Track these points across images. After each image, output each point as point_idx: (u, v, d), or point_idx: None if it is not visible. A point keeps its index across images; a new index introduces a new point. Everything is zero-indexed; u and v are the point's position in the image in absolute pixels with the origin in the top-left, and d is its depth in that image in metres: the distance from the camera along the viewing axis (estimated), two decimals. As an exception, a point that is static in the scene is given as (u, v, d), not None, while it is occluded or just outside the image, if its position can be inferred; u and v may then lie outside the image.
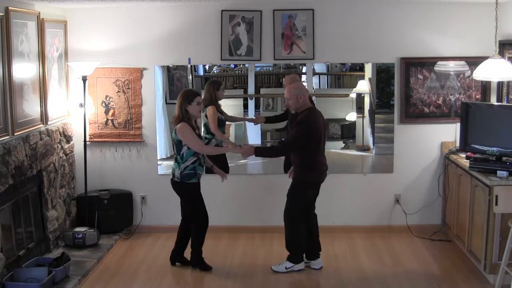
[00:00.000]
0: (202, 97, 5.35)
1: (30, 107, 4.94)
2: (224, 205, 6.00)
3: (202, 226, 4.95)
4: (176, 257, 5.12)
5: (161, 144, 6.13)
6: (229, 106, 6.99)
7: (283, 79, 5.73)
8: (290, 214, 4.87)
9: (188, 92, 4.82)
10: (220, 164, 5.35)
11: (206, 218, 4.97)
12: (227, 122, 5.87)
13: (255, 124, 5.99)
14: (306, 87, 5.73)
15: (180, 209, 6.03)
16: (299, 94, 4.72)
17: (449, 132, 5.82)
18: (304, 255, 5.01)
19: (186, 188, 4.83)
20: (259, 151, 4.81)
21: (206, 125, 5.52)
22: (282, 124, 5.91)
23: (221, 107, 5.69)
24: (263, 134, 6.89)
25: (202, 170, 4.87)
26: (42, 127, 5.17)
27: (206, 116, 5.50)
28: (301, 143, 4.66)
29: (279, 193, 5.31)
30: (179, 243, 5.11)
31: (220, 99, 5.61)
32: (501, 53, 5.07)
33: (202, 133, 5.52)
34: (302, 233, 4.90)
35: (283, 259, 5.13)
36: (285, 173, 5.33)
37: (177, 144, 4.78)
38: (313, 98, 6.64)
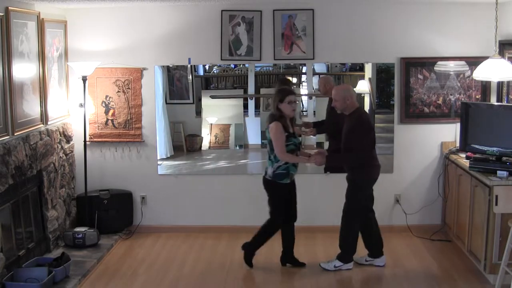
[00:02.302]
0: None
1: (30, 107, 4.94)
2: (224, 205, 6.00)
3: (277, 227, 4.91)
4: (286, 258, 5.08)
5: (161, 144, 6.14)
6: (229, 106, 7.01)
7: (319, 81, 5.73)
8: (350, 215, 4.88)
9: (280, 90, 4.75)
10: None
11: (292, 218, 4.93)
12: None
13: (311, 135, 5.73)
14: (306, 87, 5.75)
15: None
16: (347, 96, 4.72)
17: (449, 132, 5.82)
18: (358, 254, 5.02)
19: (277, 188, 4.79)
20: (331, 159, 4.82)
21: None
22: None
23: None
24: (263, 134, 6.89)
25: (295, 170, 4.80)
26: (42, 127, 5.17)
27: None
28: (367, 145, 4.71)
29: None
30: (285, 243, 5.06)
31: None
32: (501, 53, 5.07)
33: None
34: (357, 234, 4.92)
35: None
36: (325, 173, 5.26)
37: (270, 143, 4.72)
38: (313, 98, 6.65)
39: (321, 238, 5.63)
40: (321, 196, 5.40)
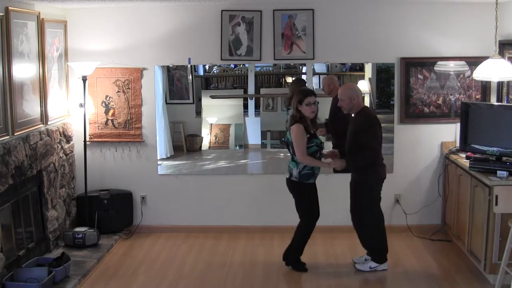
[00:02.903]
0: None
1: (30, 107, 4.94)
2: (224, 205, 6.00)
3: (311, 228, 4.90)
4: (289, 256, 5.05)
5: (161, 144, 6.14)
6: (229, 106, 7.01)
7: (323, 81, 5.71)
8: (363, 216, 4.86)
9: (300, 91, 4.72)
10: None
11: (316, 219, 4.91)
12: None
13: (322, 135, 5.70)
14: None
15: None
16: (353, 95, 4.69)
17: (449, 132, 5.82)
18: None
19: (304, 188, 4.79)
20: (349, 162, 4.76)
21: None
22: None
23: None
24: (263, 134, 6.89)
25: (319, 170, 4.81)
26: (42, 127, 5.17)
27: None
28: (377, 144, 4.70)
29: (279, 193, 5.33)
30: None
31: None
32: (501, 53, 5.06)
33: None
34: (381, 231, 4.88)
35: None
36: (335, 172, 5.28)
37: (291, 145, 4.68)
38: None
39: (321, 238, 5.63)
40: (320, 196, 5.34)
